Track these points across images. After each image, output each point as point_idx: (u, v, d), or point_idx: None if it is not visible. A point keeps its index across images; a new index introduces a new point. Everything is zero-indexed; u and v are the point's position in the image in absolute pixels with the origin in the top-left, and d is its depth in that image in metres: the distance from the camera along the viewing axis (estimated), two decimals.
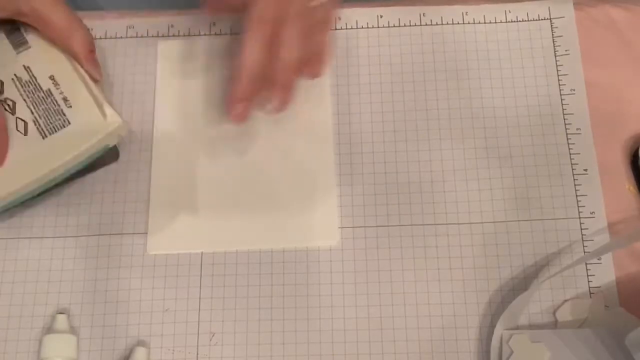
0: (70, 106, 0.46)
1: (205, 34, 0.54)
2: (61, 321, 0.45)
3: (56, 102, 0.46)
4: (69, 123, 0.46)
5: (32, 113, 0.46)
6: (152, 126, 0.51)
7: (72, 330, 0.46)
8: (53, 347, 0.45)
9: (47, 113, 0.46)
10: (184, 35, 0.54)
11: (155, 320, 0.46)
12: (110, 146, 0.48)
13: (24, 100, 0.47)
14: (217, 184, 0.49)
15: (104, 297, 0.47)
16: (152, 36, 0.54)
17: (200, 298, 0.47)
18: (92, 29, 0.54)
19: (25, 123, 0.46)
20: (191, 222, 0.49)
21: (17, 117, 0.46)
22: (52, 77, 0.47)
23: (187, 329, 0.46)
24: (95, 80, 0.48)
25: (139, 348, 0.45)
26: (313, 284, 0.47)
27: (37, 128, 0.46)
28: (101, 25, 0.54)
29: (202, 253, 0.48)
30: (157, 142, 0.51)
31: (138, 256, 0.48)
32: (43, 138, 0.46)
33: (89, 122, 0.46)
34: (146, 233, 0.48)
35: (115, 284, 0.47)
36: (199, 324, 0.46)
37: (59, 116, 0.46)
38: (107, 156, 0.49)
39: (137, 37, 0.54)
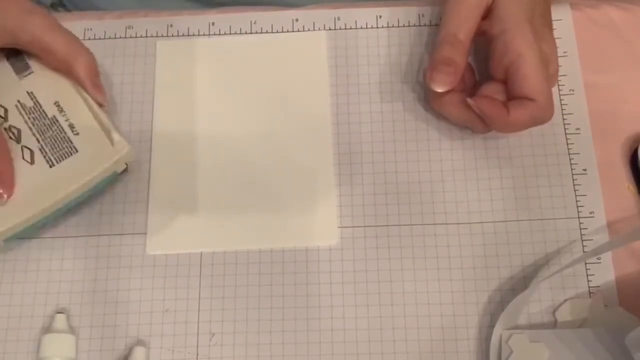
0: (77, 133, 0.46)
1: (204, 34, 0.54)
2: (60, 321, 0.45)
3: (62, 129, 0.46)
4: (77, 151, 0.45)
5: (38, 141, 0.46)
6: (151, 126, 0.51)
7: (71, 330, 0.46)
8: (52, 347, 0.44)
9: (53, 141, 0.45)
10: (183, 35, 0.54)
11: (154, 320, 0.46)
12: (119, 172, 0.47)
13: (29, 127, 0.46)
14: (216, 184, 0.49)
15: (104, 297, 0.47)
16: (151, 36, 0.54)
17: (199, 298, 0.47)
18: (91, 29, 0.54)
19: (32, 152, 0.45)
20: (191, 222, 0.49)
21: (22, 146, 0.46)
22: (57, 104, 0.46)
23: (186, 329, 0.46)
24: (100, 105, 0.47)
25: (138, 348, 0.45)
26: (312, 284, 0.47)
27: (44, 156, 0.45)
28: (100, 25, 0.54)
29: (201, 253, 0.48)
30: (156, 142, 0.51)
31: (138, 256, 0.48)
32: (50, 167, 0.45)
33: (97, 150, 0.45)
34: (146, 233, 0.48)
35: (115, 284, 0.47)
36: (198, 324, 0.46)
37: (66, 144, 0.45)
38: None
39: (136, 37, 0.54)
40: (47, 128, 0.46)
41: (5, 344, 0.46)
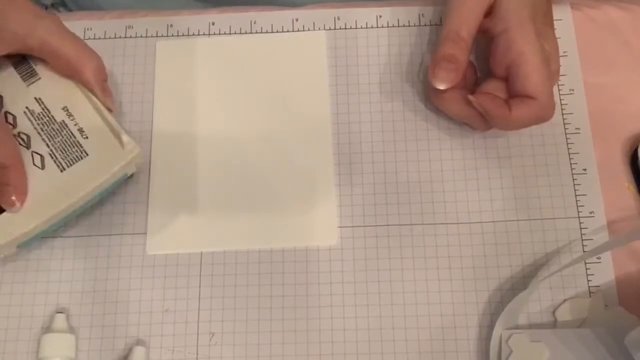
0: (87, 137, 0.46)
1: (204, 34, 0.54)
2: (60, 320, 0.45)
3: (72, 133, 0.46)
4: (87, 154, 0.45)
5: (48, 146, 0.45)
6: (151, 126, 0.51)
7: (71, 329, 0.46)
8: (51, 347, 0.44)
9: (63, 145, 0.45)
10: (183, 35, 0.54)
11: (154, 320, 0.46)
12: (129, 174, 0.47)
13: (39, 133, 0.46)
14: (216, 184, 0.49)
15: (104, 297, 0.47)
16: (151, 36, 0.54)
17: (199, 298, 0.47)
18: (91, 29, 0.54)
19: (42, 157, 0.45)
20: (190, 222, 0.49)
21: (32, 151, 0.45)
22: (65, 108, 0.46)
23: (186, 329, 0.46)
24: (109, 110, 0.47)
25: (138, 348, 0.45)
26: (312, 284, 0.47)
27: (55, 161, 0.45)
28: (100, 25, 0.54)
29: (201, 253, 0.48)
30: (156, 142, 0.51)
31: (137, 256, 0.48)
32: (61, 171, 0.45)
33: (107, 152, 0.45)
34: (146, 233, 0.48)
35: (115, 284, 0.47)
36: (198, 324, 0.46)
37: (76, 148, 0.45)
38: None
39: (136, 37, 0.54)
40: (56, 133, 0.46)
41: (5, 344, 0.46)
